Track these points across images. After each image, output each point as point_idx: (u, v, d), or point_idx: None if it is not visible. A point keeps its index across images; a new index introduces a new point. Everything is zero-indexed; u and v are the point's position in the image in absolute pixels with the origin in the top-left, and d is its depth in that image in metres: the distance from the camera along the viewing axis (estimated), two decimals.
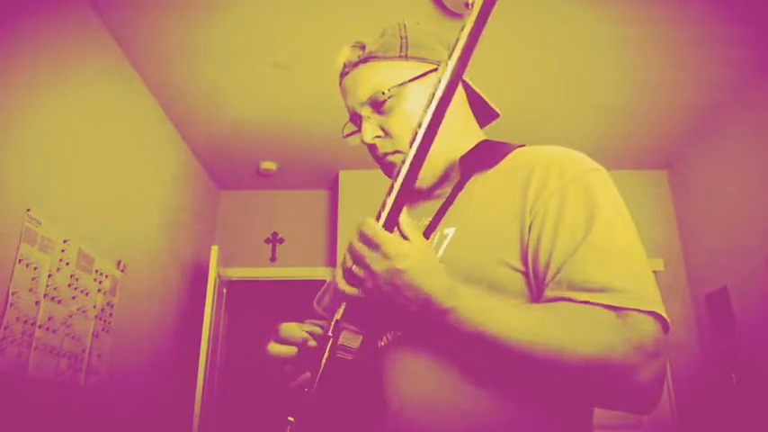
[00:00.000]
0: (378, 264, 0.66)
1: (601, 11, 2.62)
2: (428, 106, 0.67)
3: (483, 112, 0.95)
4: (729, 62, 2.96)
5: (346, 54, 0.89)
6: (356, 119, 0.89)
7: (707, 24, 2.68)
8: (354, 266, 0.69)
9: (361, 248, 0.68)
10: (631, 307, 0.65)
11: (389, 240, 0.66)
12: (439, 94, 0.66)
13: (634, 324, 0.64)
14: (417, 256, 0.67)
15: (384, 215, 0.68)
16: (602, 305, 0.65)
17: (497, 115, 0.95)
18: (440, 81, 0.67)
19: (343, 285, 0.69)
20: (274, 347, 0.79)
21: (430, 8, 2.59)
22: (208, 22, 2.69)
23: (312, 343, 0.78)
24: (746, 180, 3.22)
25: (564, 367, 0.64)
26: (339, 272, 0.71)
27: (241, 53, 2.93)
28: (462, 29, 0.65)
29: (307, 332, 0.79)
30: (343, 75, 0.90)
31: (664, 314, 0.66)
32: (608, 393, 0.66)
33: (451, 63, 0.66)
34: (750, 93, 3.16)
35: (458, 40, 0.66)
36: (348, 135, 0.93)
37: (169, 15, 2.63)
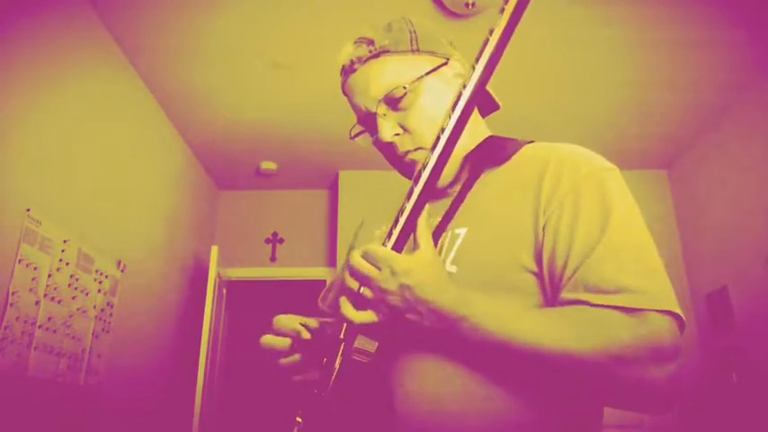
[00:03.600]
0: (388, 282, 0.65)
1: (601, 11, 2.61)
2: (453, 110, 0.65)
3: (483, 103, 0.92)
4: (730, 63, 2.96)
5: (350, 50, 0.84)
6: (368, 118, 0.84)
7: (707, 25, 2.67)
8: (363, 288, 0.67)
9: (369, 269, 0.66)
10: (648, 308, 0.64)
11: (396, 258, 0.66)
12: (466, 96, 0.64)
13: (650, 324, 0.64)
14: (424, 270, 0.66)
15: (403, 219, 0.67)
16: (619, 307, 0.65)
17: (498, 107, 0.92)
18: (465, 85, 0.64)
19: (354, 315, 0.67)
20: (266, 338, 0.79)
21: (430, 8, 2.59)
22: (208, 22, 2.69)
23: (305, 335, 0.77)
24: (746, 180, 3.22)
25: (577, 369, 0.64)
26: (345, 303, 0.69)
27: (241, 53, 2.93)
28: (492, 31, 0.62)
29: (302, 324, 0.78)
30: (348, 72, 0.85)
31: (680, 312, 0.66)
32: (623, 394, 0.66)
33: (479, 67, 0.63)
34: (750, 93, 3.16)
35: (487, 41, 0.62)
36: (356, 135, 0.88)
37: (169, 15, 2.63)
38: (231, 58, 2.96)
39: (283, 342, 0.78)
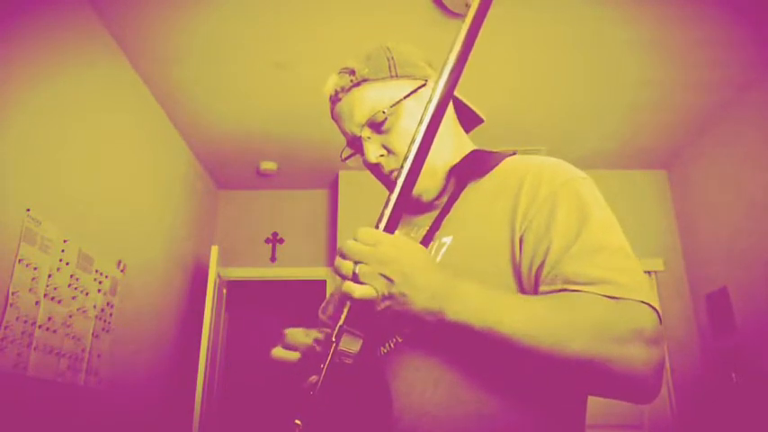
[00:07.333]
0: (379, 260, 0.64)
1: (602, 12, 2.61)
2: (423, 116, 0.67)
3: (467, 118, 0.97)
4: (729, 62, 2.96)
5: (335, 81, 0.90)
6: (355, 142, 0.90)
7: (707, 25, 2.68)
8: (359, 266, 0.65)
9: (361, 248, 0.66)
10: (625, 296, 0.66)
11: (387, 236, 0.66)
12: (435, 102, 0.66)
13: (631, 311, 0.66)
14: (412, 249, 0.67)
15: (382, 225, 0.68)
16: (598, 294, 0.67)
17: (482, 121, 0.97)
18: (434, 91, 0.67)
19: (354, 287, 0.65)
20: (277, 352, 0.81)
21: (430, 8, 2.59)
22: (208, 22, 2.69)
23: (318, 349, 0.79)
24: (747, 180, 3.22)
25: (563, 356, 0.64)
26: (346, 281, 0.68)
27: (241, 53, 2.93)
28: (456, 38, 0.66)
29: (313, 339, 0.80)
30: (335, 101, 0.91)
31: (658, 308, 0.68)
32: (608, 381, 0.65)
33: (446, 72, 0.66)
34: (750, 93, 3.16)
35: (452, 49, 0.66)
36: (347, 158, 0.95)
37: (169, 15, 2.63)
38: (231, 57, 2.96)
39: (293, 356, 0.81)
